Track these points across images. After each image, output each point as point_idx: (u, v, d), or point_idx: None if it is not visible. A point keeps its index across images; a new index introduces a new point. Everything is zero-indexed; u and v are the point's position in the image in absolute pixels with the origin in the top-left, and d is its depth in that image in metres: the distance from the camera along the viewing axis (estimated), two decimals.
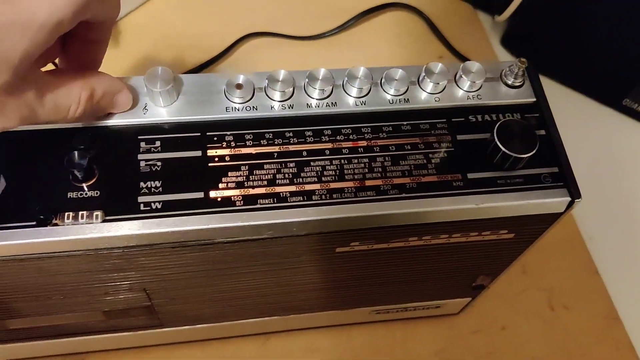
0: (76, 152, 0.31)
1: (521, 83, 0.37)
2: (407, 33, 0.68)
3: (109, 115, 0.33)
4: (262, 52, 0.64)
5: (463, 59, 0.66)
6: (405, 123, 0.35)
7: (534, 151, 0.33)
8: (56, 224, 0.30)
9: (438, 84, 0.36)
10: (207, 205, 0.32)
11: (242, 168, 0.33)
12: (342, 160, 0.34)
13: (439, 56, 0.67)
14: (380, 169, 0.34)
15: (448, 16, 0.70)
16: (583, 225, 0.59)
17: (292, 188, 0.33)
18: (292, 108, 0.35)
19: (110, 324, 0.42)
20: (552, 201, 0.34)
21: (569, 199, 0.34)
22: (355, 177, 0.34)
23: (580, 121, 0.65)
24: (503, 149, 0.33)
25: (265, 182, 0.33)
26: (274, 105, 0.35)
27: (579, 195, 0.34)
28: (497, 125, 0.34)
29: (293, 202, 0.32)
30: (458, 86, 0.36)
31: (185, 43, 0.63)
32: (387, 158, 0.34)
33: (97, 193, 0.31)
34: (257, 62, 0.63)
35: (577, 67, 0.66)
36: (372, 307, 0.48)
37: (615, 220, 0.60)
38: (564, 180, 0.34)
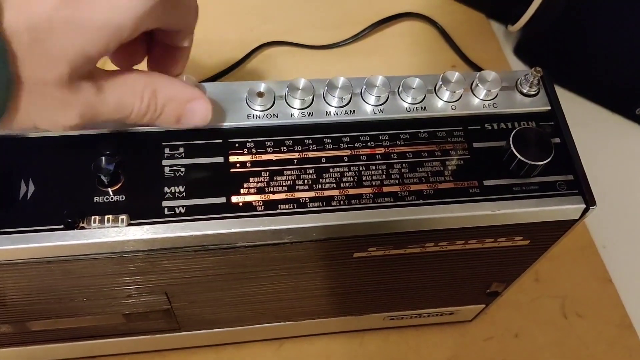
0: (103, 158, 0.32)
1: (536, 92, 0.37)
2: (420, 42, 0.69)
3: None
4: (278, 61, 0.65)
5: (476, 68, 0.67)
6: (422, 131, 0.36)
7: (549, 159, 0.34)
8: (83, 227, 0.31)
9: (454, 92, 0.36)
10: (229, 210, 0.33)
11: (263, 174, 0.34)
12: (360, 167, 0.35)
13: (452, 65, 0.68)
14: (397, 176, 0.34)
15: (461, 26, 0.70)
16: (596, 234, 0.59)
17: (312, 194, 0.34)
18: (311, 116, 0.36)
19: (129, 327, 0.43)
20: (567, 208, 0.34)
21: (583, 206, 0.34)
22: (373, 183, 0.34)
23: (593, 130, 0.66)
24: (519, 156, 0.34)
25: (285, 188, 0.34)
26: (294, 113, 0.36)
27: (593, 203, 0.34)
28: (513, 133, 0.34)
29: (312, 207, 0.33)
30: (474, 95, 0.37)
31: (204, 51, 0.64)
32: (404, 165, 0.35)
33: (122, 197, 0.32)
34: (273, 71, 0.64)
35: (590, 76, 0.66)
36: (386, 313, 0.49)
37: (628, 228, 0.61)
38: (579, 187, 0.35)
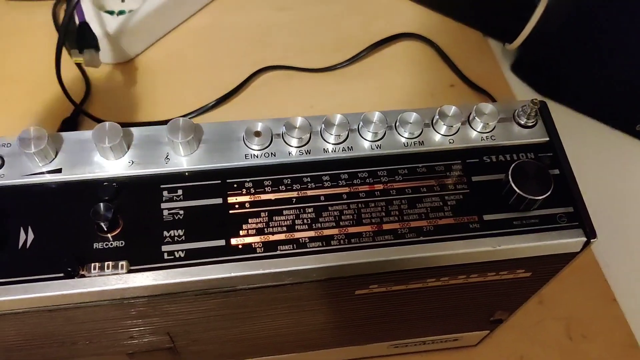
0: (102, 204, 0.32)
1: (534, 123, 0.37)
2: (418, 62, 0.69)
3: (132, 165, 0.34)
4: (276, 85, 0.65)
5: (474, 86, 0.67)
6: (420, 165, 0.36)
7: (548, 192, 0.34)
8: (83, 275, 0.31)
9: (452, 126, 0.36)
10: (229, 252, 0.32)
11: (262, 214, 0.34)
12: (360, 204, 0.35)
13: (450, 84, 0.68)
14: (397, 212, 0.34)
15: (458, 44, 0.70)
16: (599, 253, 0.59)
17: (311, 233, 0.33)
18: (309, 153, 0.36)
19: None
20: (568, 241, 0.34)
21: (584, 239, 0.34)
22: (373, 221, 0.34)
23: (593, 146, 0.66)
24: (518, 191, 0.34)
25: (284, 228, 0.33)
26: (292, 151, 0.36)
27: (594, 235, 0.34)
28: (511, 167, 0.34)
29: (312, 247, 0.33)
30: (472, 127, 0.37)
31: (201, 78, 0.65)
32: (403, 201, 0.35)
33: (122, 243, 0.32)
34: (271, 95, 0.64)
35: (589, 92, 0.66)
36: (390, 342, 0.48)
37: (631, 246, 0.60)
38: (579, 220, 0.35)
